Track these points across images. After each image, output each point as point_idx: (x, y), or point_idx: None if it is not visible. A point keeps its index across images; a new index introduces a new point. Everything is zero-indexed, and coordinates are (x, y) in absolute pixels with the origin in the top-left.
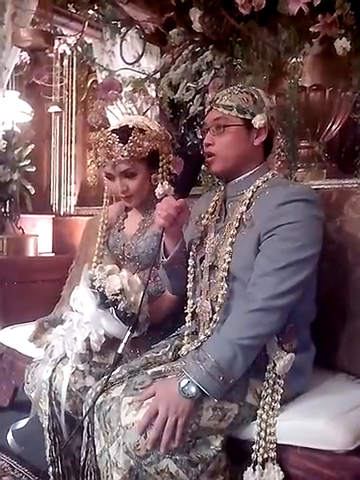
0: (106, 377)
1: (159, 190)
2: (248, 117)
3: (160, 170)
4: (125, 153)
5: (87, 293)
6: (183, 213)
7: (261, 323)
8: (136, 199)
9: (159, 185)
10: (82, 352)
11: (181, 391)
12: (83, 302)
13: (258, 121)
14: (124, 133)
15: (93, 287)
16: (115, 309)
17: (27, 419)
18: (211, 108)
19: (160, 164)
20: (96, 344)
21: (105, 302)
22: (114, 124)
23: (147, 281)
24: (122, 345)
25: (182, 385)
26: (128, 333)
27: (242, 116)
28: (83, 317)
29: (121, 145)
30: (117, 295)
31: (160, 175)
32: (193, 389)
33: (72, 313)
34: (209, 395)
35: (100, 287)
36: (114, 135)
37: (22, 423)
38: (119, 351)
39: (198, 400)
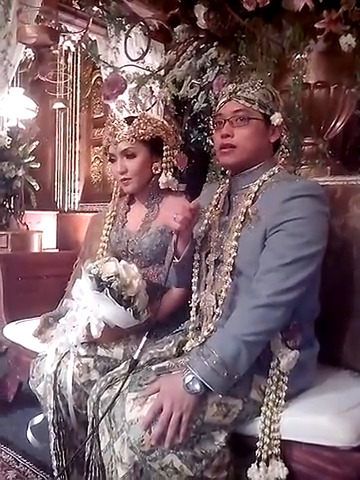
0: (114, 377)
1: (162, 179)
2: (268, 113)
3: (164, 160)
4: (127, 130)
5: (85, 279)
6: (196, 215)
7: (266, 319)
8: (134, 184)
9: (162, 175)
10: (81, 337)
11: (185, 387)
12: (82, 288)
13: (277, 118)
14: (130, 118)
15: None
16: (109, 288)
17: (42, 414)
18: (229, 99)
19: (164, 154)
20: (96, 330)
21: (100, 284)
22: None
23: (167, 274)
24: (138, 351)
25: (186, 381)
26: (144, 338)
27: (263, 111)
28: (82, 303)
29: (125, 125)
30: (111, 277)
31: (163, 165)
32: (197, 385)
33: (72, 301)
34: (213, 391)
35: (97, 273)
36: (121, 118)
37: (38, 418)
38: (135, 357)
39: (202, 396)
